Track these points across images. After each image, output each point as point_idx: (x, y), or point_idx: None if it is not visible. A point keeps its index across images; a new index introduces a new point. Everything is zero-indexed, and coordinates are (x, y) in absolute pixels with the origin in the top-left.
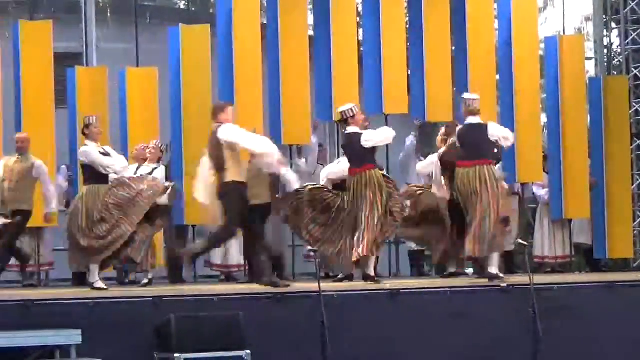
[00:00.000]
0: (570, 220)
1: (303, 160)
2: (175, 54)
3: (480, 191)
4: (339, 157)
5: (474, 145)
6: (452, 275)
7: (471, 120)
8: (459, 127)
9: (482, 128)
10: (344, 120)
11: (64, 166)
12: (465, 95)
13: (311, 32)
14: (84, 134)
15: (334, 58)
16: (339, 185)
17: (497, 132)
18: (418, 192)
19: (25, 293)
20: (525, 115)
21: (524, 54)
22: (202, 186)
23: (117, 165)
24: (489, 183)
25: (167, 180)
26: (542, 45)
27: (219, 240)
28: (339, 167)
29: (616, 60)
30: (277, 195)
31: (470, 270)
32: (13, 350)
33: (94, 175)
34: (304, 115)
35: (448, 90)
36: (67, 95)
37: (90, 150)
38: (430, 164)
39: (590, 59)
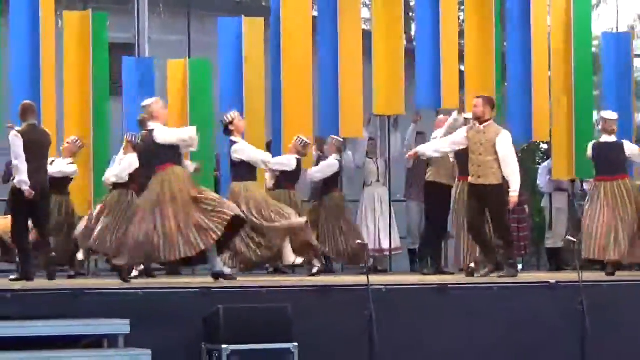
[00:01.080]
0: None
1: (349, 153)
2: (227, 45)
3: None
4: (389, 151)
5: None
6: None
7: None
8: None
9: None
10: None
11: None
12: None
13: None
14: (228, 130)
15: (381, 53)
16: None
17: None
18: None
19: (75, 282)
20: (578, 112)
21: (577, 50)
22: None
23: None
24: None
25: None
26: (595, 42)
27: None
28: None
29: None
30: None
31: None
32: (61, 338)
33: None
34: (358, 108)
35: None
36: (121, 86)
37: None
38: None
39: (639, 56)
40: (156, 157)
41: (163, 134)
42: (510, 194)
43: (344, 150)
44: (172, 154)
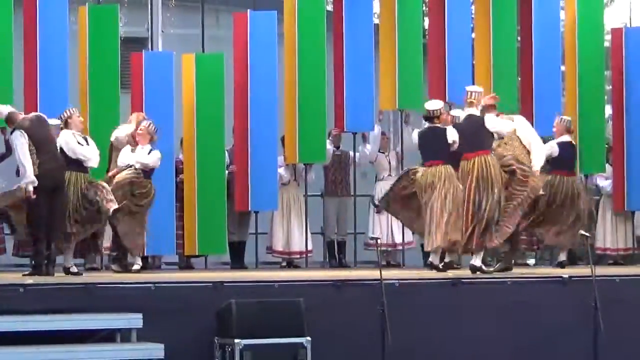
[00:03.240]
0: (633, 212)
1: (368, 146)
2: (241, 39)
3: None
4: (401, 145)
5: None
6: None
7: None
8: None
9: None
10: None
11: None
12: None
13: (376, 21)
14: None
15: (399, 47)
16: None
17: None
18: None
19: (88, 277)
20: (589, 107)
21: (589, 45)
22: None
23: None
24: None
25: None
26: (608, 37)
27: None
28: None
29: None
30: None
31: (531, 261)
32: (75, 332)
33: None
34: (367, 103)
35: (514, 82)
36: (133, 80)
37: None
38: None
39: None
40: None
41: None
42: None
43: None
44: None
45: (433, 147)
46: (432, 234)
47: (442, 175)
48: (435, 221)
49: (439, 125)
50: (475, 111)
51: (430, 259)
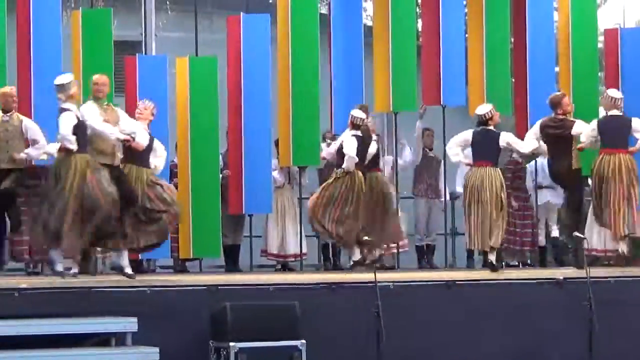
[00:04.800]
0: None
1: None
2: (235, 43)
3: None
4: (395, 147)
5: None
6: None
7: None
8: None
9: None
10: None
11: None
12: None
13: (370, 23)
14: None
15: (393, 49)
16: None
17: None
18: None
19: (83, 280)
20: (583, 108)
21: (582, 46)
22: None
23: None
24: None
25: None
26: (601, 38)
27: None
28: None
29: None
30: None
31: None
32: (69, 336)
33: None
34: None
35: (507, 82)
36: (127, 84)
37: None
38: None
39: None
40: None
41: None
42: None
43: None
44: None
45: (484, 148)
46: (484, 234)
47: (491, 176)
48: (489, 221)
49: (491, 128)
50: None
51: (490, 259)
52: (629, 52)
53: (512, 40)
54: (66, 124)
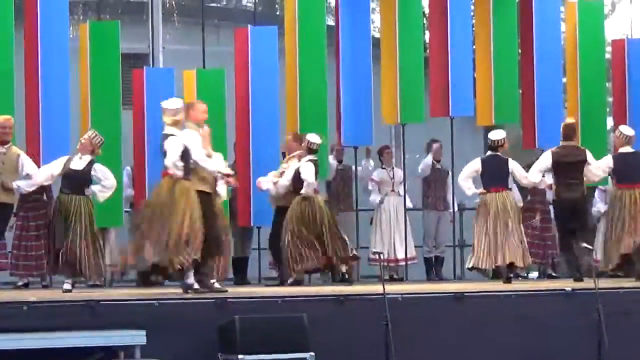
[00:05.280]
0: None
1: (371, 161)
2: (242, 55)
3: None
4: (403, 159)
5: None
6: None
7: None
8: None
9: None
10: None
11: (128, 167)
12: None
13: (377, 34)
14: None
15: (400, 61)
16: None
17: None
18: None
19: (91, 293)
20: (591, 118)
21: (590, 57)
22: None
23: None
24: None
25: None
26: (609, 48)
27: None
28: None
29: None
30: None
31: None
32: (78, 350)
33: None
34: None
35: (514, 93)
36: (134, 97)
37: None
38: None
39: None
40: None
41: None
42: None
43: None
44: None
45: (496, 174)
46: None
47: (509, 199)
48: (516, 240)
49: (500, 154)
50: None
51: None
52: (636, 62)
53: (520, 51)
54: (174, 149)
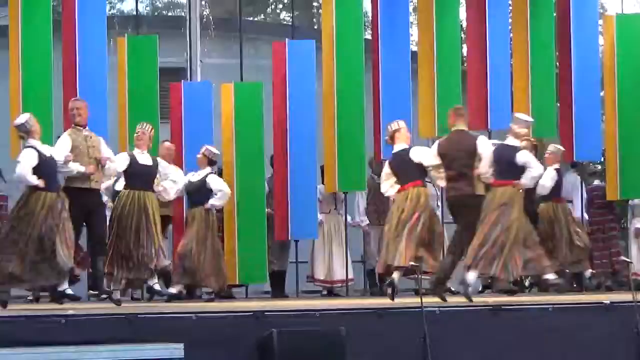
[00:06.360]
0: None
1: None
2: (280, 68)
3: None
4: None
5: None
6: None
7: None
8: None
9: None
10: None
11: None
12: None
13: (415, 48)
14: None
15: (438, 75)
16: None
17: None
18: None
19: (128, 307)
20: (629, 132)
21: (628, 70)
22: None
23: None
24: None
25: None
26: None
27: None
28: None
29: None
30: None
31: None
32: None
33: None
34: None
35: (552, 107)
36: (172, 111)
37: None
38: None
39: None
40: None
41: None
42: None
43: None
44: None
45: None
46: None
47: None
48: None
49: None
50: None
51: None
52: None
53: (557, 64)
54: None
